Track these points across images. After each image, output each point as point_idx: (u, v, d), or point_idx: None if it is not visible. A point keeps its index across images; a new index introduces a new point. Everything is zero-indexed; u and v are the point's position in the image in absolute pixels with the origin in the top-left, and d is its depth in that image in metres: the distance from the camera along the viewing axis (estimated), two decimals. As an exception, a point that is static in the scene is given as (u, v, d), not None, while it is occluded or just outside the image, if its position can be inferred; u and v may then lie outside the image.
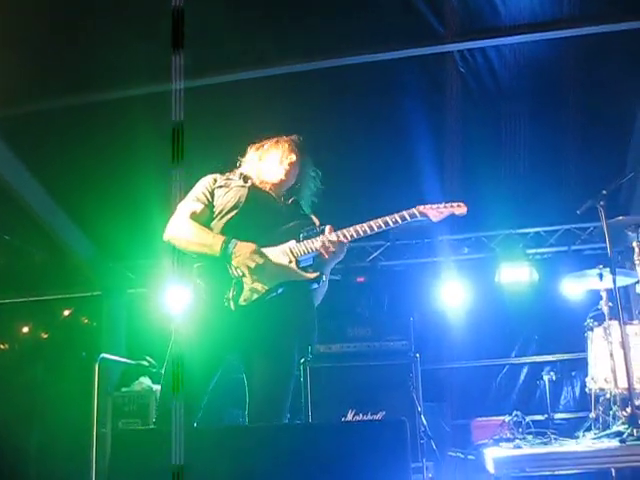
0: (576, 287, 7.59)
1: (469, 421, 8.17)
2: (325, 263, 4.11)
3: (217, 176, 4.36)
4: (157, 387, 7.39)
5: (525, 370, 9.54)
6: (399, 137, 7.65)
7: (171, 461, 2.76)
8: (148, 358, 7.68)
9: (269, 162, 4.36)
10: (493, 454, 5.15)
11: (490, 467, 5.02)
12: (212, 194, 4.24)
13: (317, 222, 4.27)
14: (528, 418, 7.48)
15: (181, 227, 4.10)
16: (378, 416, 6.29)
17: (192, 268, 4.03)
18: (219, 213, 4.16)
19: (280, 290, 3.95)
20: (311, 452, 2.53)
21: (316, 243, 4.01)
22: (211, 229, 4.12)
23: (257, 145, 4.49)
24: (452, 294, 8.90)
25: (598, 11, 6.82)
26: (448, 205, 4.22)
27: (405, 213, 4.07)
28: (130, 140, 7.29)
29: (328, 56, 6.85)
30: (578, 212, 5.98)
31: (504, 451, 5.43)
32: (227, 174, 4.39)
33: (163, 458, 2.79)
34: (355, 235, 4.02)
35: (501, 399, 9.35)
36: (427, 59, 7.06)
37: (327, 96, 7.17)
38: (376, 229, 4.02)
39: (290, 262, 4.00)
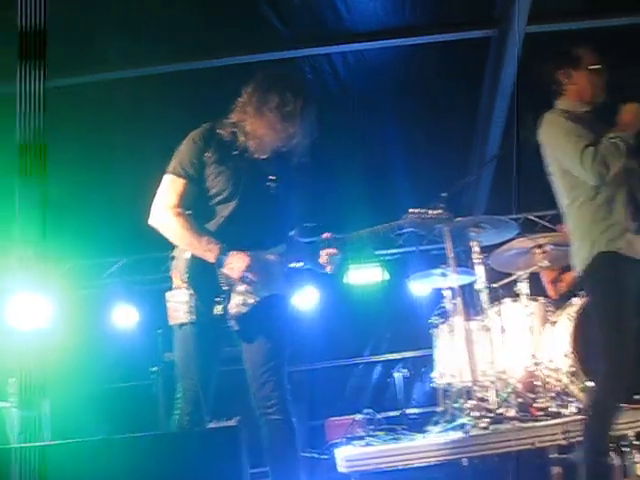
0: (422, 286, 7.85)
1: (323, 421, 8.27)
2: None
3: (209, 136, 3.88)
4: (3, 404, 7.01)
5: (378, 368, 9.77)
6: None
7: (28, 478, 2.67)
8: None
9: (270, 127, 3.82)
10: (344, 453, 5.23)
11: (341, 466, 5.10)
12: (203, 165, 3.83)
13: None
14: (383, 415, 7.65)
15: (170, 222, 3.81)
16: (233, 422, 6.26)
17: (178, 263, 3.83)
18: (211, 198, 3.85)
19: (267, 300, 3.87)
20: (142, 464, 2.51)
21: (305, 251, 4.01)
22: (202, 213, 3.86)
23: (256, 100, 3.85)
24: (304, 296, 8.96)
25: (439, 20, 7.10)
26: (430, 214, 4.17)
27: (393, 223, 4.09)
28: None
29: (172, 60, 6.82)
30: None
31: (355, 449, 5.53)
32: (220, 130, 3.89)
33: (18, 476, 2.70)
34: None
35: (356, 398, 9.52)
36: (273, 64, 7.10)
37: (175, 100, 7.10)
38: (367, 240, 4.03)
39: (279, 272, 3.93)
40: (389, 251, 9.54)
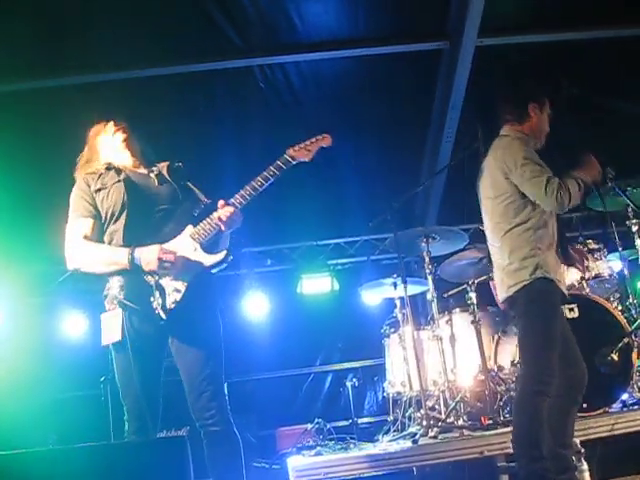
0: (374, 296, 7.88)
1: (274, 431, 8.25)
2: (224, 236, 4.04)
3: (88, 177, 4.12)
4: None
5: (330, 378, 9.77)
6: (203, 151, 7.63)
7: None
8: None
9: (113, 152, 4.20)
10: (294, 462, 5.23)
11: (291, 475, 5.10)
12: (93, 199, 4.03)
13: (200, 193, 4.18)
14: (334, 424, 7.66)
15: (81, 253, 3.95)
16: (182, 431, 6.22)
17: (111, 285, 3.87)
18: (110, 218, 3.99)
19: (197, 279, 3.89)
20: (89, 474, 2.48)
21: (212, 221, 3.93)
22: (109, 237, 3.99)
23: (90, 144, 4.29)
24: (256, 306, 8.96)
25: (393, 32, 7.15)
26: (314, 140, 4.17)
27: (279, 162, 4.01)
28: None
29: (123, 68, 6.78)
30: (370, 225, 6.19)
31: (305, 459, 5.53)
32: (93, 170, 4.14)
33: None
34: (243, 200, 3.94)
35: (307, 407, 9.51)
36: (227, 73, 7.11)
37: (133, 107, 7.05)
38: (259, 187, 3.94)
39: (196, 249, 3.93)
40: (340, 261, 9.58)
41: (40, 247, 8.29)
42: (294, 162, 4.07)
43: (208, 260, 3.95)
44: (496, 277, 4.54)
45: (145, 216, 3.98)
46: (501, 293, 4.44)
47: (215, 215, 3.94)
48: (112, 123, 4.28)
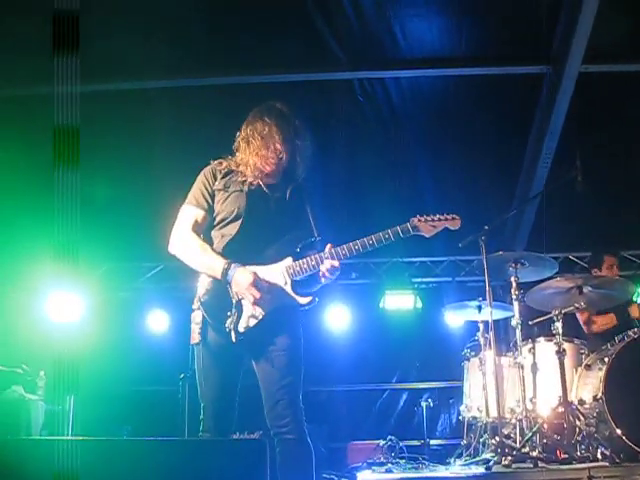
0: (457, 317, 7.80)
1: (346, 444, 8.24)
2: (320, 281, 3.99)
3: (217, 170, 4.13)
4: (31, 396, 7.12)
5: (405, 396, 9.72)
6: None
7: (47, 472, 2.69)
8: (24, 366, 7.34)
9: (257, 152, 4.01)
10: (364, 477, 5.21)
11: (360, 490, 5.09)
12: (212, 196, 4.09)
13: (313, 225, 4.09)
14: (406, 443, 7.61)
15: (185, 245, 4.05)
16: (255, 435, 6.25)
17: (196, 288, 4.00)
18: (219, 222, 4.07)
19: (276, 313, 3.91)
20: (168, 467, 2.51)
21: (311, 262, 3.91)
22: (211, 239, 4.07)
23: (244, 134, 4.09)
24: (337, 317, 8.99)
25: (492, 53, 7.09)
26: (442, 218, 4.01)
27: (399, 229, 3.92)
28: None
29: (229, 73, 6.89)
30: (460, 245, 6.12)
31: (375, 475, 5.50)
32: (226, 163, 4.12)
33: (39, 469, 2.71)
34: (348, 254, 3.92)
35: (380, 423, 9.47)
36: (323, 84, 7.16)
37: (228, 113, 7.17)
38: (369, 247, 3.90)
39: (286, 284, 3.94)
40: (425, 279, 9.53)
41: (131, 243, 8.52)
42: (413, 233, 3.97)
43: (293, 299, 3.95)
44: None
45: (252, 234, 3.99)
46: None
47: (315, 260, 3.91)
48: (275, 133, 4.01)
